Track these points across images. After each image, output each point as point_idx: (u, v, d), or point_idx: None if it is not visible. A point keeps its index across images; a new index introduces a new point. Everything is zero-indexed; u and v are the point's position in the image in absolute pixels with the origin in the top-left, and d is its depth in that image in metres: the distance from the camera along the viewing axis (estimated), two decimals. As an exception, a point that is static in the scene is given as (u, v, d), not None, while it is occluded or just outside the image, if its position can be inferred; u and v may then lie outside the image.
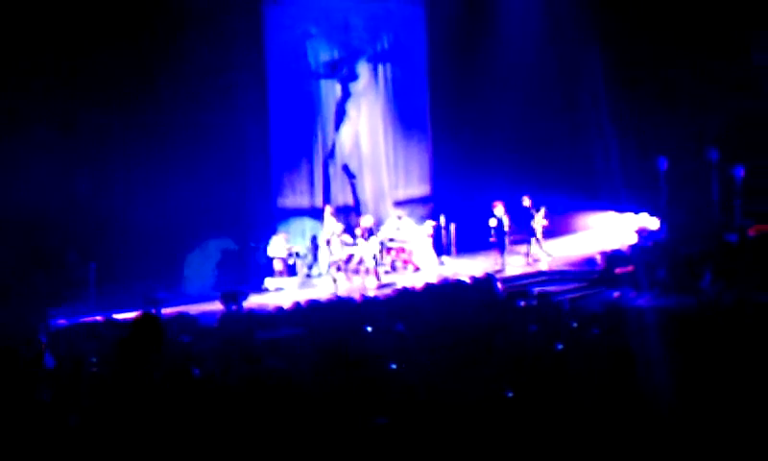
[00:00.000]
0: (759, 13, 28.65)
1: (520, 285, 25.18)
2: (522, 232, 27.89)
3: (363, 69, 29.71)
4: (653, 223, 28.53)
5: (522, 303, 21.15)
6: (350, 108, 29.44)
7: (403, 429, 10.61)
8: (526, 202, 27.47)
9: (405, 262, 28.03)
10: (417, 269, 27.72)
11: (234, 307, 23.26)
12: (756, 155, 28.01)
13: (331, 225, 27.26)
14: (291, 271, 26.87)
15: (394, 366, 13.51)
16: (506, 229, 27.07)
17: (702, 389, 11.11)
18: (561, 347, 14.16)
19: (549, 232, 28.79)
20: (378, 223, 28.60)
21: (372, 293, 24.71)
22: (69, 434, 11.15)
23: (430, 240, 28.62)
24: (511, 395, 11.42)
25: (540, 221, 27.56)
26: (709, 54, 29.08)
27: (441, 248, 28.97)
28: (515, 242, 28.06)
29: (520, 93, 30.21)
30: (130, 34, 24.98)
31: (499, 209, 27.08)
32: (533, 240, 27.78)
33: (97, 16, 24.59)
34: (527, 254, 27.71)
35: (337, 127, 29.36)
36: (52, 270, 24.50)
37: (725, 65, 29.16)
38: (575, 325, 16.57)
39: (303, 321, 20.70)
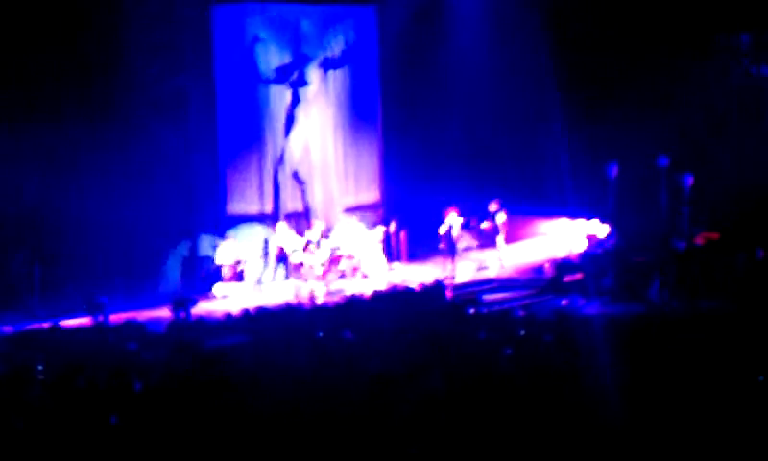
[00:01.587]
0: (712, 20, 28.87)
1: (470, 292, 25.23)
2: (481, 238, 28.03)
3: (313, 74, 29.55)
4: (602, 230, 28.64)
5: (472, 311, 21.20)
6: (300, 113, 29.26)
7: (353, 436, 10.57)
8: (493, 207, 27.51)
9: (354, 269, 27.95)
10: (366, 276, 27.65)
11: (183, 314, 23.10)
12: (706, 162, 28.24)
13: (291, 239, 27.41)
14: (240, 277, 26.73)
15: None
16: (455, 235, 27.11)
17: (648, 396, 11.16)
18: (509, 352, 14.19)
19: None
20: (328, 229, 28.52)
21: (320, 300, 24.66)
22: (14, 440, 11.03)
23: (380, 247, 28.58)
24: (458, 401, 11.42)
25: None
26: (660, 61, 29.27)
27: (391, 255, 28.95)
28: (467, 249, 28.13)
29: (472, 99, 30.26)
30: (76, 34, 24.73)
31: (452, 216, 27.12)
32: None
33: (43, 18, 24.35)
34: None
35: (287, 133, 29.17)
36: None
37: (676, 72, 29.35)
38: (523, 332, 16.62)
39: (252, 328, 20.65)
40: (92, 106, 24.97)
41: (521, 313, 21.16)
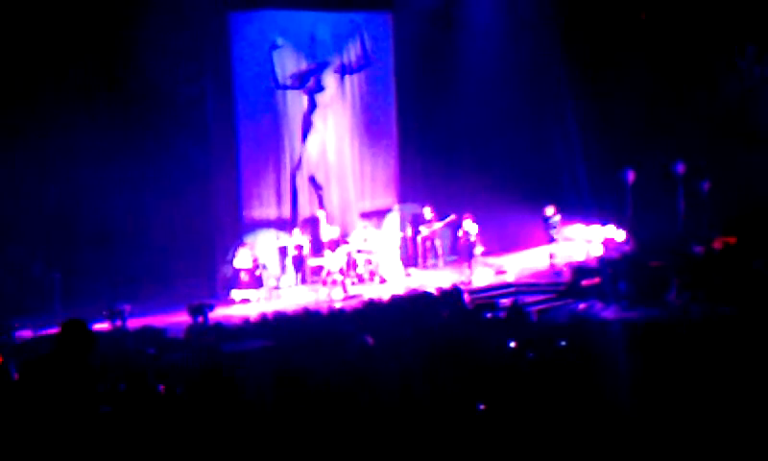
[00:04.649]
0: (727, 30, 28.87)
1: (488, 297, 25.23)
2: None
3: (329, 80, 29.67)
4: (619, 235, 28.63)
5: (489, 315, 21.19)
6: (317, 119, 29.39)
7: (375, 445, 10.58)
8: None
9: (372, 274, 28.03)
10: (383, 281, 27.72)
11: (201, 319, 23.17)
12: (722, 167, 28.21)
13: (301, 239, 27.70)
14: (258, 282, 26.79)
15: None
16: (472, 240, 27.20)
17: (665, 400, 11.15)
18: (531, 356, 14.19)
19: (518, 243, 29.10)
20: (345, 234, 28.63)
21: (338, 305, 24.70)
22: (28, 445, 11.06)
23: (397, 252, 28.66)
24: (481, 407, 11.41)
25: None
26: (677, 66, 29.26)
27: (408, 259, 29.03)
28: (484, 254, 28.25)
29: (488, 104, 30.21)
30: (96, 42, 24.88)
31: (467, 222, 27.24)
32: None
33: (64, 28, 24.50)
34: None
35: (304, 138, 29.31)
36: (16, 280, 24.34)
37: (692, 78, 29.33)
38: (542, 336, 16.60)
39: (270, 333, 20.67)
40: (111, 112, 25.13)
41: (539, 317, 21.17)
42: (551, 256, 27.57)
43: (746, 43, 29.51)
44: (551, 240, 27.70)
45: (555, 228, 27.54)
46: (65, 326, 9.70)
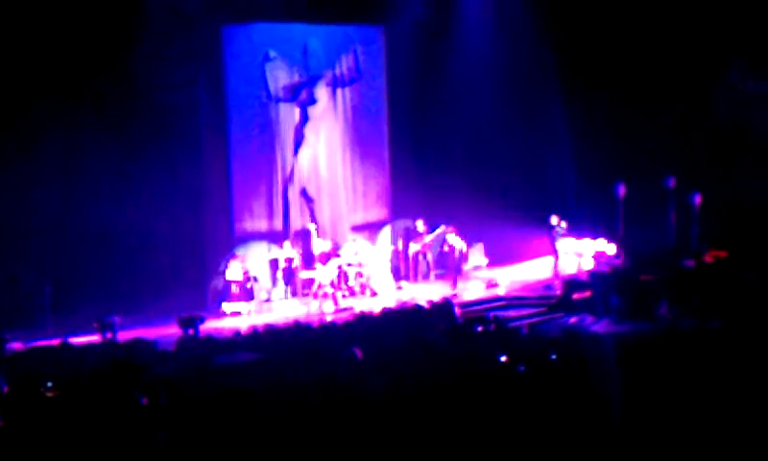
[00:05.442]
0: (719, 43, 28.96)
1: (478, 310, 25.21)
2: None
3: (322, 93, 29.68)
4: (610, 248, 28.62)
5: (480, 328, 21.17)
6: (309, 132, 29.39)
7: (361, 454, 10.58)
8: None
9: (363, 287, 27.99)
10: (374, 294, 27.68)
11: (191, 332, 23.10)
12: (713, 181, 28.24)
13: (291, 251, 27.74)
14: (249, 295, 26.75)
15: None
16: (457, 255, 27.30)
17: (655, 415, 11.15)
18: (522, 369, 14.19)
19: (508, 257, 29.11)
20: (336, 247, 28.62)
21: (329, 318, 24.66)
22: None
23: (388, 265, 28.66)
24: (471, 419, 11.42)
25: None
26: (669, 80, 29.30)
27: (399, 272, 29.03)
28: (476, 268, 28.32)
29: (481, 117, 30.31)
30: (89, 49, 24.88)
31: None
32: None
33: (61, 36, 24.51)
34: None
35: (296, 151, 29.31)
36: (7, 292, 24.28)
37: (684, 92, 29.37)
38: (532, 349, 16.59)
39: (261, 346, 20.64)
40: (102, 124, 25.11)
41: (530, 331, 21.14)
42: (555, 272, 27.57)
43: (737, 57, 29.58)
44: (555, 250, 27.66)
45: (560, 237, 27.50)
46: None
